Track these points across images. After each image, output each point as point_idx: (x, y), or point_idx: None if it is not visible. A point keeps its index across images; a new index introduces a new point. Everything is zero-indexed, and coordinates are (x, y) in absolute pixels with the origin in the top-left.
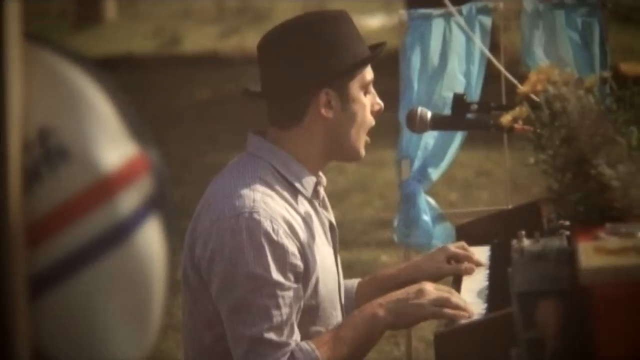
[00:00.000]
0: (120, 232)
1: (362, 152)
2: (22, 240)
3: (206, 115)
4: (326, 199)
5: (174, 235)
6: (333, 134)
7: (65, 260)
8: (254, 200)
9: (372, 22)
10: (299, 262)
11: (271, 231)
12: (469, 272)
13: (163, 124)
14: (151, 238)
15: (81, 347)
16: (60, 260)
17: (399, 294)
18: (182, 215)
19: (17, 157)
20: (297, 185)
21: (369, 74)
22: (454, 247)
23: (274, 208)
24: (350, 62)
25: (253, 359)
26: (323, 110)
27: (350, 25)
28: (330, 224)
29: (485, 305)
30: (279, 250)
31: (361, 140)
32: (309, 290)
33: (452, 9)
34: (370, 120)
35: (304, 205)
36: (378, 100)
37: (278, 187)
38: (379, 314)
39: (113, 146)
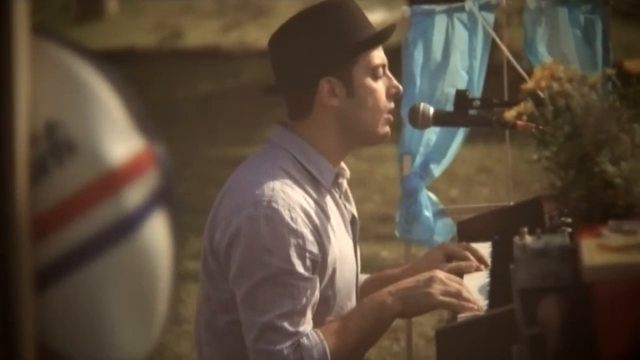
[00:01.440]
0: (126, 226)
1: (382, 132)
2: (28, 233)
3: (207, 110)
4: (349, 191)
5: (178, 229)
6: (343, 122)
7: (70, 254)
8: (273, 189)
9: (373, 18)
10: (316, 251)
11: (289, 219)
12: (468, 270)
13: (164, 118)
14: (157, 232)
15: (86, 341)
16: (66, 254)
17: (409, 282)
18: (183, 209)
19: (24, 151)
20: (317, 175)
21: (376, 58)
22: (453, 245)
23: (292, 197)
24: (348, 48)
25: (263, 346)
26: (327, 99)
27: (352, 12)
28: (352, 216)
29: (487, 302)
30: (297, 239)
31: (378, 123)
32: (325, 280)
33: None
34: (386, 104)
35: (323, 196)
36: (395, 83)
37: (298, 177)
38: (387, 302)
39: (120, 140)
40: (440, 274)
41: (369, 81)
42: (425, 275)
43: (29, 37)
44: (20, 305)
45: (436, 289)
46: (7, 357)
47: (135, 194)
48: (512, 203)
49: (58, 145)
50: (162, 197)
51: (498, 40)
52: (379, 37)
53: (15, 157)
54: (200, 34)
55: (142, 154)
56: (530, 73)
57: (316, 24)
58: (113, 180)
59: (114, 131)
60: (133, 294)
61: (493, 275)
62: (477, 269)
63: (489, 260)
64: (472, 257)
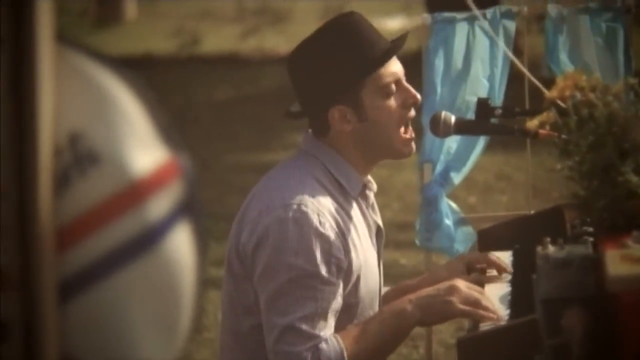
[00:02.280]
0: (150, 238)
1: (403, 150)
2: (52, 245)
3: (225, 116)
4: (375, 204)
5: (203, 241)
6: (360, 142)
7: (94, 265)
8: (303, 193)
9: (392, 24)
10: (342, 256)
11: (318, 224)
12: (490, 281)
13: (182, 124)
14: (181, 244)
15: (109, 353)
16: (90, 265)
17: (430, 290)
18: (202, 216)
19: (48, 162)
20: (345, 184)
21: (386, 76)
22: (473, 256)
23: (322, 202)
24: (353, 73)
25: (282, 347)
26: (340, 126)
27: (360, 31)
28: (378, 227)
29: (508, 311)
30: (325, 243)
31: (395, 138)
32: (349, 287)
33: (477, 12)
34: (402, 116)
35: (351, 205)
36: (412, 92)
37: (327, 185)
38: (407, 309)
39: (144, 151)
40: (461, 283)
41: (379, 102)
42: (445, 284)
43: (54, 46)
44: (44, 316)
45: (456, 297)
46: None
47: (159, 205)
48: (532, 211)
49: (81, 156)
50: (187, 208)
51: (512, 56)
52: (382, 57)
53: (39, 168)
54: (219, 39)
55: (166, 165)
56: (550, 81)
57: (324, 50)
58: (137, 192)
59: (138, 142)
60: (157, 306)
61: (514, 284)
62: (498, 279)
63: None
64: (496, 266)
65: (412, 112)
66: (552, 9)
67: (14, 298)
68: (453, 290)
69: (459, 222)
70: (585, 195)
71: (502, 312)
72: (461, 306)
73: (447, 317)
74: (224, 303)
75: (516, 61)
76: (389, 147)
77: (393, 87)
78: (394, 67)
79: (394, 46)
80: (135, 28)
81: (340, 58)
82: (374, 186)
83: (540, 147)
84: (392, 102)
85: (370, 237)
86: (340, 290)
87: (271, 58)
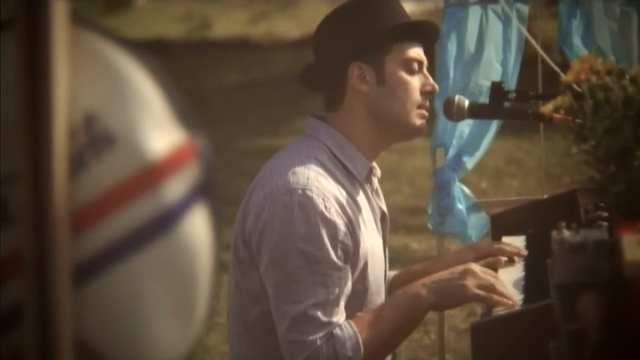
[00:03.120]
0: (167, 221)
1: (416, 124)
2: (67, 227)
3: (235, 100)
4: (379, 189)
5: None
6: (374, 110)
7: (110, 248)
8: (307, 178)
9: None
10: (349, 242)
11: (323, 208)
12: (498, 264)
13: (192, 108)
14: (198, 227)
15: (125, 337)
16: (105, 248)
17: (444, 274)
18: None
19: (63, 144)
20: (351, 168)
21: (412, 51)
22: (483, 244)
23: (327, 187)
24: (382, 34)
25: (295, 336)
26: (356, 84)
27: (391, 4)
28: (382, 212)
29: (521, 296)
30: (330, 228)
31: (410, 114)
32: (357, 273)
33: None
34: (418, 98)
35: (356, 189)
36: (431, 81)
37: (332, 169)
38: (421, 294)
39: (160, 132)
40: (475, 267)
41: (402, 73)
42: (459, 268)
43: (68, 27)
44: (59, 301)
45: (471, 281)
46: (46, 352)
47: (175, 188)
48: (545, 196)
49: (97, 138)
50: (203, 191)
51: (530, 38)
52: (413, 26)
53: (54, 151)
54: (229, 24)
55: (182, 147)
56: (563, 65)
57: (353, 11)
58: (153, 174)
59: (154, 123)
60: (173, 289)
61: (528, 269)
62: (511, 263)
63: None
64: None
65: (427, 102)
66: None
67: (29, 282)
68: (468, 274)
69: (472, 207)
70: (601, 179)
71: (516, 297)
72: (476, 290)
73: (462, 301)
74: (231, 290)
75: (533, 41)
76: (401, 120)
77: (416, 66)
78: (420, 50)
79: (427, 23)
80: (145, 13)
81: (374, 17)
82: (378, 172)
83: (552, 131)
84: (413, 80)
85: (376, 222)
86: (349, 275)
87: (281, 42)
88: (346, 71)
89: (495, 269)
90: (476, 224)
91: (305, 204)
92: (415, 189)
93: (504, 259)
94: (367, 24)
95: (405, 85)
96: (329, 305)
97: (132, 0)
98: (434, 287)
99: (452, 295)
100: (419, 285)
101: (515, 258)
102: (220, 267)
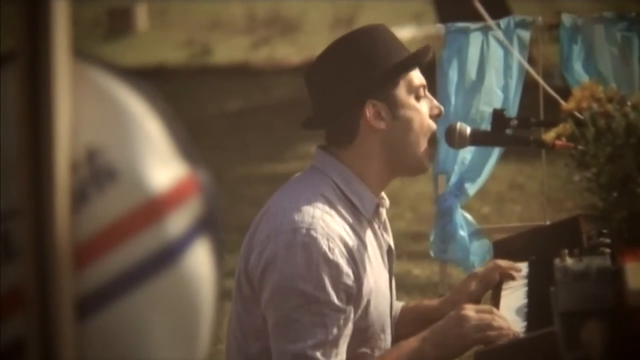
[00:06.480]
0: (169, 254)
1: (426, 162)
2: (70, 261)
3: (237, 126)
4: (387, 222)
5: (222, 257)
6: (390, 145)
7: (112, 282)
8: (312, 217)
9: (403, 34)
10: (352, 283)
11: (327, 249)
12: (492, 283)
13: (194, 134)
14: (200, 260)
15: None
16: (108, 282)
17: (442, 325)
18: None
19: (65, 178)
20: (358, 204)
21: (416, 78)
22: (483, 270)
23: (332, 226)
24: (389, 70)
25: None
26: (374, 123)
27: (388, 37)
28: (389, 247)
29: (524, 323)
30: (333, 270)
31: (422, 148)
32: (359, 312)
33: (491, 22)
34: (430, 124)
35: (362, 226)
36: (436, 103)
37: (339, 205)
38: (425, 349)
39: (162, 166)
40: (469, 311)
41: (413, 101)
42: (453, 315)
43: (70, 60)
44: (62, 334)
45: (467, 328)
46: None
47: (178, 222)
48: (548, 222)
49: (99, 172)
50: (206, 224)
51: (530, 69)
52: (418, 56)
53: (56, 185)
54: (230, 50)
55: (185, 180)
56: (564, 91)
57: (355, 48)
58: (155, 208)
59: (156, 157)
60: (176, 323)
61: (530, 296)
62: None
63: (525, 280)
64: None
65: (435, 125)
66: (567, 19)
67: (31, 317)
68: (463, 320)
69: (475, 233)
70: (603, 206)
71: (519, 324)
72: (475, 335)
73: (465, 349)
74: (232, 322)
75: (531, 70)
76: (412, 154)
77: (422, 91)
78: (419, 74)
79: (426, 49)
80: (146, 39)
81: (378, 54)
82: (387, 202)
83: (554, 156)
84: (423, 105)
85: (382, 257)
86: (351, 316)
87: (282, 68)
88: (359, 111)
89: (498, 294)
90: (478, 251)
91: (308, 244)
92: (418, 215)
93: (510, 284)
94: (375, 62)
95: (418, 113)
96: (328, 346)
97: (133, 26)
98: (435, 341)
99: (454, 346)
100: (421, 339)
101: (514, 273)
102: (223, 294)
